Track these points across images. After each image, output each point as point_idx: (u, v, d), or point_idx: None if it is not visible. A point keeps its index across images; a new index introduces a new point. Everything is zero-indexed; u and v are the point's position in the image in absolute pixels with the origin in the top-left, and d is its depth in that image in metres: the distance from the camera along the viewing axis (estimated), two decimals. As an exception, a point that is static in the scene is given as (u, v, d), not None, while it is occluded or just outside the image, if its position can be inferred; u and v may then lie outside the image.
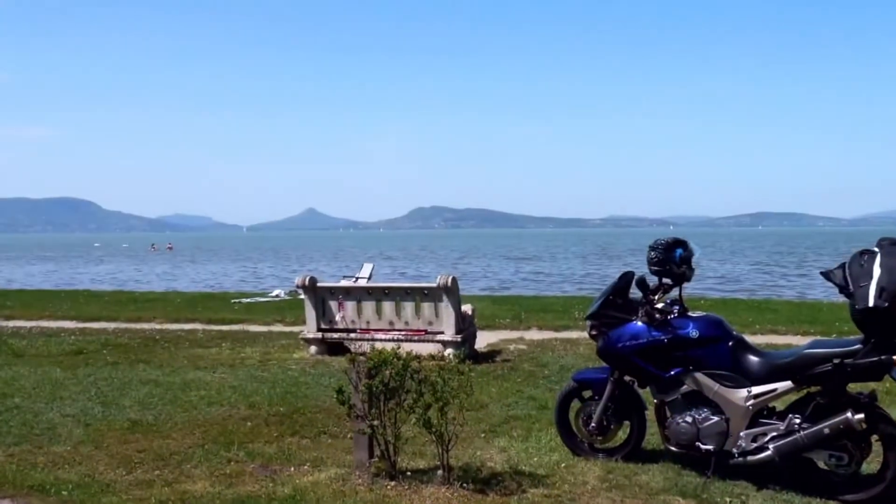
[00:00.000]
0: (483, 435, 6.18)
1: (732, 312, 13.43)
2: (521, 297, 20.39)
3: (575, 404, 5.60)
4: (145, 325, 14.05)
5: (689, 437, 4.98)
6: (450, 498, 4.67)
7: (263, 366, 9.57)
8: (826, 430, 4.58)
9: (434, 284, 9.69)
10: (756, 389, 4.84)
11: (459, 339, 9.61)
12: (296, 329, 12.31)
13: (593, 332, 5.43)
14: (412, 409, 4.84)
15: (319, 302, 10.30)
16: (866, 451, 4.69)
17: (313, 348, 10.30)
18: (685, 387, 5.04)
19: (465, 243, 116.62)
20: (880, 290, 4.31)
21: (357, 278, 15.23)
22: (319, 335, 10.26)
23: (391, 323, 9.96)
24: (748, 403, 4.85)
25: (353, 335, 10.08)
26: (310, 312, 10.34)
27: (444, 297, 9.63)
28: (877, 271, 4.38)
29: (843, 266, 4.58)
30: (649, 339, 5.08)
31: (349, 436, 5.73)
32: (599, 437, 5.45)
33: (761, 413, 4.89)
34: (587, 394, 5.56)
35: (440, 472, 4.93)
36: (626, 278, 5.34)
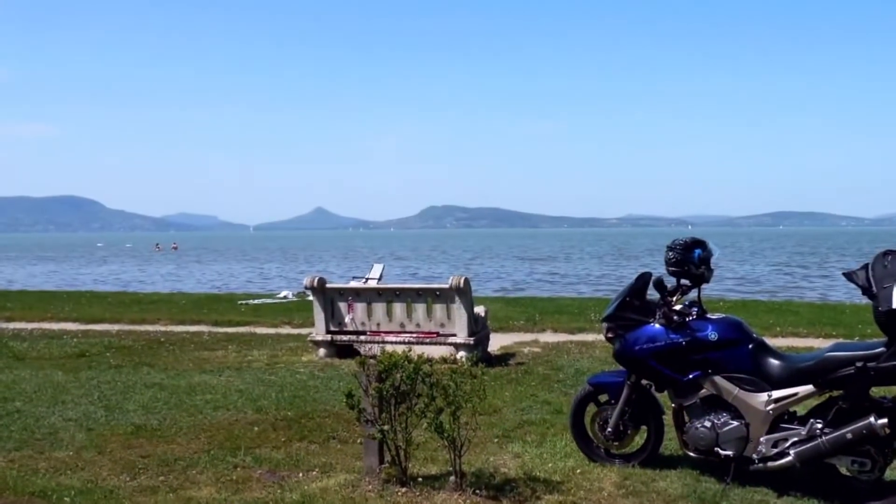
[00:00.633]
0: (496, 440, 6.12)
1: (752, 314, 13.36)
2: (535, 299, 20.27)
3: (591, 409, 5.55)
4: (149, 327, 14.00)
5: (708, 443, 4.92)
6: (462, 505, 4.60)
7: (271, 369, 9.50)
8: (848, 436, 4.51)
9: (446, 285, 9.61)
10: (777, 393, 4.77)
11: (472, 342, 9.52)
12: (304, 331, 12.27)
13: (609, 335, 5.38)
14: (423, 414, 4.78)
15: (328, 303, 10.22)
16: (890, 457, 4.62)
17: (322, 351, 10.23)
18: (704, 391, 4.99)
19: (477, 243, 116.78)
20: (904, 292, 4.22)
21: (367, 279, 15.18)
22: (328, 337, 10.18)
23: (402, 325, 9.88)
24: (769, 408, 4.77)
25: (363, 337, 9.99)
26: (318, 314, 10.26)
27: (457, 299, 9.54)
28: (900, 272, 4.30)
29: (866, 267, 4.50)
30: (667, 341, 5.02)
31: (359, 441, 5.69)
32: (616, 443, 5.40)
33: (782, 418, 4.82)
34: (603, 398, 5.51)
35: (452, 478, 4.86)
36: (644, 279, 5.29)
